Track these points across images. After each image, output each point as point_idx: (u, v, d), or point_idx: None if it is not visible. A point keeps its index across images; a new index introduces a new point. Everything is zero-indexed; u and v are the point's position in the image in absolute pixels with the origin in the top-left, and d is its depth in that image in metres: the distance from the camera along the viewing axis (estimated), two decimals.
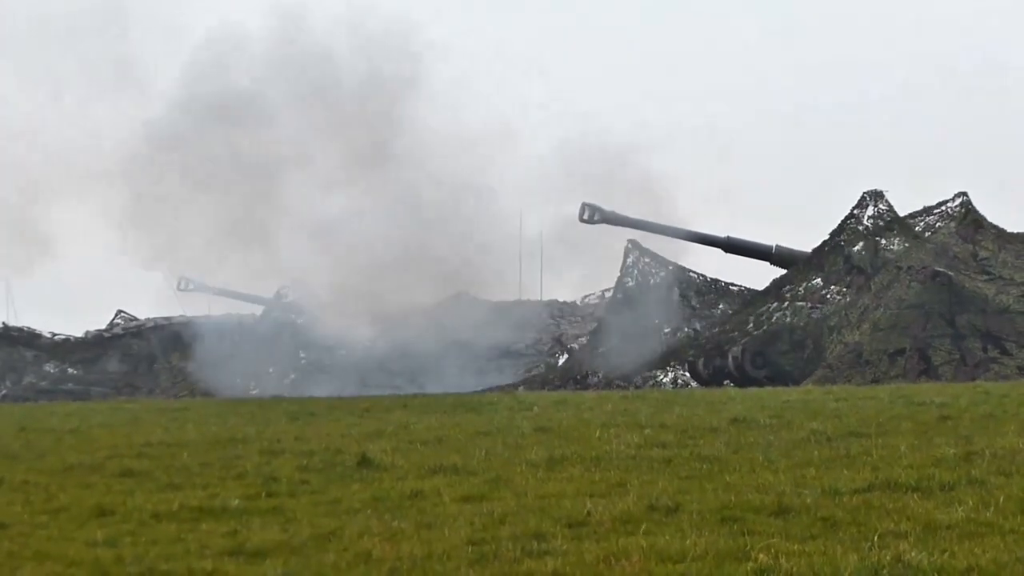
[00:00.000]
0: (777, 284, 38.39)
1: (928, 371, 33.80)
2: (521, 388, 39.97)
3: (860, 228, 37.46)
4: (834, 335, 35.16)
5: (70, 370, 60.60)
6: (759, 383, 32.43)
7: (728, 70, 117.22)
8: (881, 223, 37.25)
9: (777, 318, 36.92)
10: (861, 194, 37.74)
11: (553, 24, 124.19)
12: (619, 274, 44.08)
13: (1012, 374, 33.00)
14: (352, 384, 49.28)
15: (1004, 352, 34.32)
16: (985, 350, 34.35)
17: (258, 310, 63.23)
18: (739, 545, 9.01)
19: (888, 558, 8.39)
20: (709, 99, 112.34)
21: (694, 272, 43.84)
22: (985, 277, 35.78)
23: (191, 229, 46.20)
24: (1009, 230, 38.17)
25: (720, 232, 41.05)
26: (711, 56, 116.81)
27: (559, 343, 45.23)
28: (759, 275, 43.44)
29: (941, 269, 35.02)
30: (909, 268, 35.48)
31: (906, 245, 36.77)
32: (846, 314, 35.63)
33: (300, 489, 12.51)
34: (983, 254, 36.87)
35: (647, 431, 16.07)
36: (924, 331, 34.44)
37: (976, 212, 37.92)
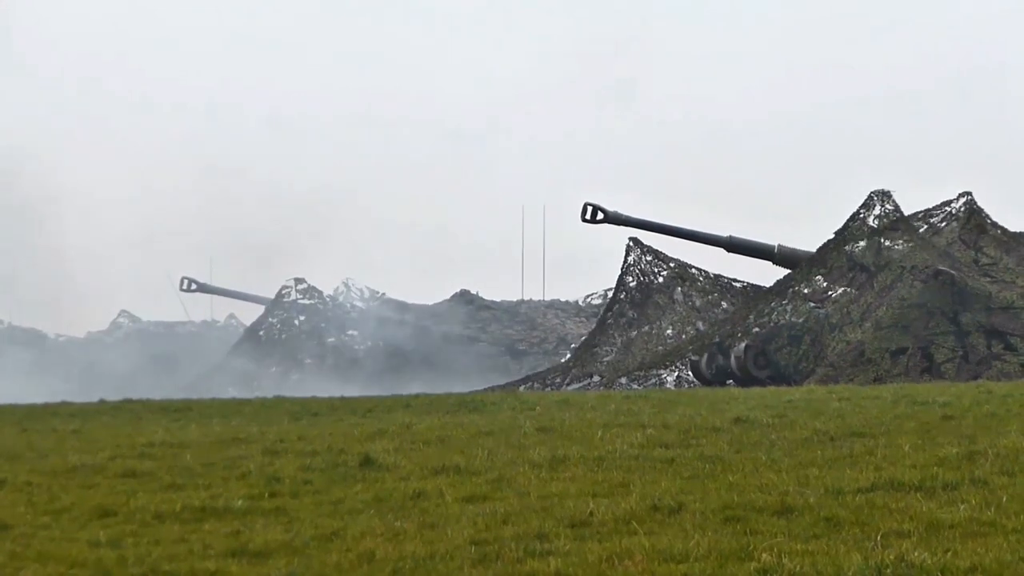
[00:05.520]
0: (782, 283, 38.39)
1: (931, 369, 33.79)
2: (522, 388, 39.96)
3: (865, 228, 37.45)
4: (836, 333, 35.15)
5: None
6: (762, 383, 32.42)
7: (731, 71, 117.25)
8: (887, 222, 37.24)
9: (778, 316, 36.90)
10: (868, 194, 37.74)
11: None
12: (620, 273, 44.05)
13: (1015, 371, 32.99)
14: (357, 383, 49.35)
15: (1008, 348, 34.30)
16: (989, 347, 34.34)
17: (259, 310, 63.35)
18: (742, 545, 9.00)
19: (891, 558, 8.38)
20: (712, 99, 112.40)
21: (696, 268, 43.82)
22: (988, 279, 35.78)
23: None
24: (1012, 228, 38.19)
25: (722, 232, 41.08)
26: (714, 57, 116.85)
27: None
28: (762, 275, 43.47)
29: (943, 268, 35.01)
30: (912, 268, 35.48)
31: (910, 245, 36.76)
32: (848, 312, 35.63)
33: (303, 489, 12.51)
34: (985, 260, 36.88)
35: (650, 431, 16.06)
36: (927, 329, 34.44)
37: (980, 213, 37.90)
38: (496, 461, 13.82)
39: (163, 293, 66.82)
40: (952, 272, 34.93)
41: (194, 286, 64.70)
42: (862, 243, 37.22)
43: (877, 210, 37.63)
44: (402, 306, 65.40)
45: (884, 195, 37.74)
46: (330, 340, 61.17)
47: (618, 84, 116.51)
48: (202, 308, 70.07)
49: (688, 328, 42.05)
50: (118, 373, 56.53)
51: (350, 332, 62.05)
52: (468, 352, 59.61)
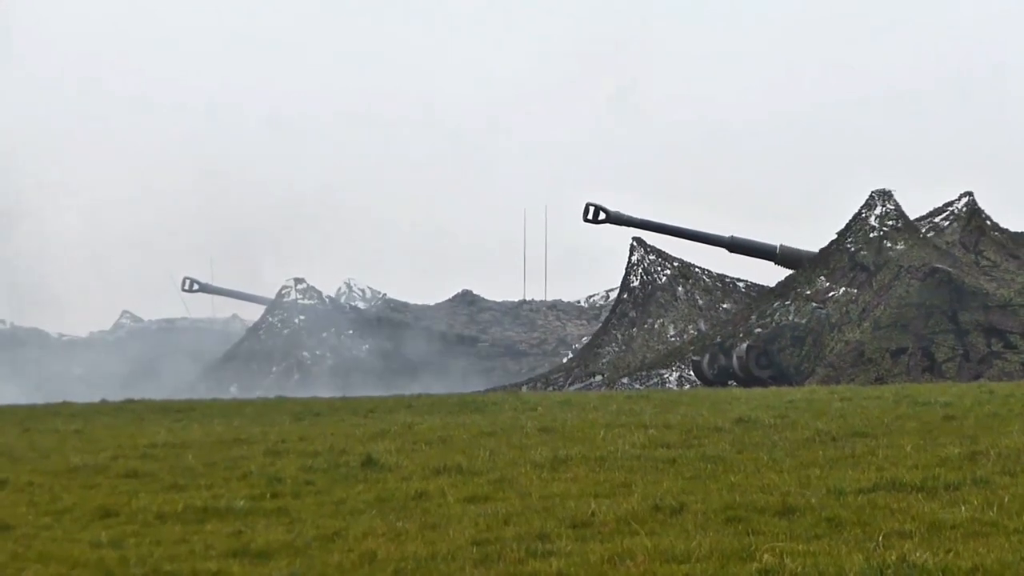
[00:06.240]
0: (785, 284, 38.40)
1: (932, 369, 33.78)
2: (524, 388, 39.97)
3: (867, 228, 37.45)
4: (835, 333, 35.14)
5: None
6: (763, 383, 32.43)
7: (731, 71, 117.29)
8: (889, 222, 37.24)
9: (780, 316, 36.91)
10: (869, 193, 37.75)
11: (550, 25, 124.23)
12: (624, 273, 44.09)
13: (1016, 370, 32.98)
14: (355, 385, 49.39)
15: (1008, 346, 34.26)
16: (989, 345, 34.31)
17: (260, 310, 63.38)
18: (744, 545, 9.00)
19: (893, 558, 8.38)
20: (712, 99, 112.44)
21: (699, 268, 43.83)
22: (986, 278, 35.77)
23: None
24: (1012, 228, 38.20)
25: (724, 232, 41.08)
26: (714, 57, 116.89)
27: None
28: (764, 275, 43.51)
29: (940, 266, 35.00)
30: (909, 266, 35.47)
31: (910, 244, 36.75)
32: (847, 311, 35.63)
33: (305, 490, 12.51)
34: (985, 263, 36.86)
35: (651, 431, 16.06)
36: (926, 328, 34.42)
37: (980, 214, 37.89)
38: (498, 461, 13.82)
39: (165, 293, 66.92)
40: (948, 269, 34.91)
41: (196, 286, 64.71)
42: (864, 245, 37.22)
43: (878, 210, 37.63)
44: (403, 306, 65.46)
45: (885, 195, 37.74)
46: (330, 340, 61.21)
47: (618, 84, 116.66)
48: (204, 308, 70.16)
49: (690, 328, 42.06)
50: (119, 373, 56.58)
51: (350, 332, 62.08)
52: (468, 353, 59.64)
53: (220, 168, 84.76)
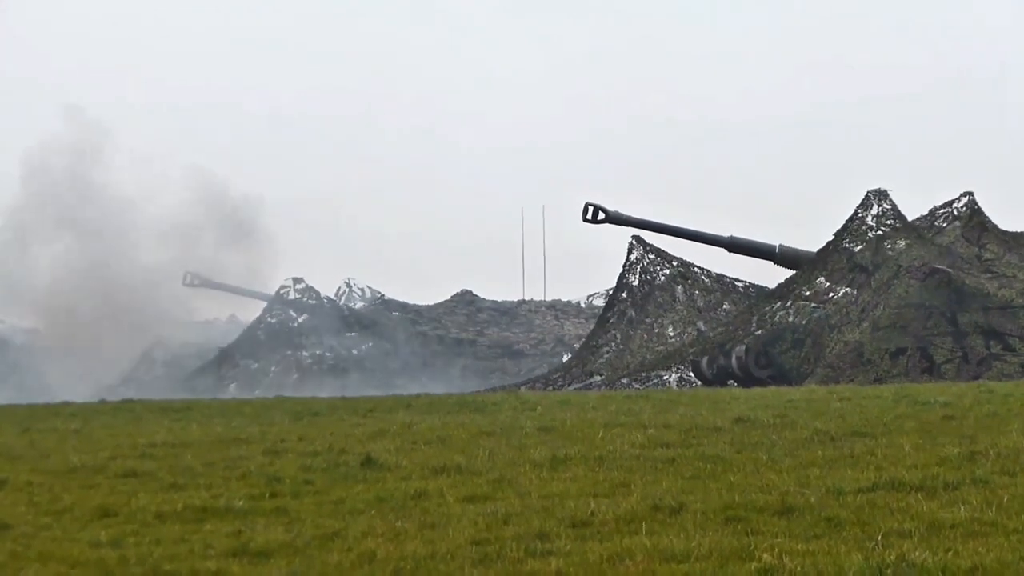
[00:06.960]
0: (784, 286, 38.38)
1: (931, 369, 33.75)
2: (523, 388, 39.97)
3: (864, 227, 37.42)
4: (834, 334, 35.12)
5: None
6: (763, 383, 32.43)
7: (731, 71, 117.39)
8: (886, 222, 37.20)
9: (780, 317, 36.91)
10: (865, 193, 37.73)
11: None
12: (622, 271, 44.04)
13: (1015, 372, 32.96)
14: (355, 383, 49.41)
15: (1007, 348, 34.24)
16: (988, 347, 34.29)
17: (260, 306, 63.36)
18: (743, 545, 9.01)
19: (892, 557, 8.39)
20: (712, 99, 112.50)
21: (699, 267, 43.78)
22: (988, 275, 35.73)
23: None
24: (1014, 229, 38.22)
25: (723, 232, 41.05)
26: (714, 57, 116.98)
27: None
28: (763, 275, 43.50)
29: (940, 266, 34.97)
30: (909, 267, 35.45)
31: (908, 244, 36.72)
32: (846, 312, 35.61)
33: (304, 489, 12.51)
34: (987, 255, 36.82)
35: (651, 431, 16.06)
36: (925, 329, 34.40)
37: (981, 213, 37.87)
38: (497, 461, 13.82)
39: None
40: (948, 271, 34.87)
41: (197, 281, 64.67)
42: (862, 245, 37.19)
43: (875, 209, 37.60)
44: (402, 307, 65.45)
45: (881, 194, 37.71)
46: (329, 340, 61.21)
47: (619, 84, 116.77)
48: (204, 309, 70.07)
49: (689, 328, 42.03)
50: (113, 372, 56.54)
51: (349, 333, 62.07)
52: (467, 353, 59.66)
53: (219, 167, 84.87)
